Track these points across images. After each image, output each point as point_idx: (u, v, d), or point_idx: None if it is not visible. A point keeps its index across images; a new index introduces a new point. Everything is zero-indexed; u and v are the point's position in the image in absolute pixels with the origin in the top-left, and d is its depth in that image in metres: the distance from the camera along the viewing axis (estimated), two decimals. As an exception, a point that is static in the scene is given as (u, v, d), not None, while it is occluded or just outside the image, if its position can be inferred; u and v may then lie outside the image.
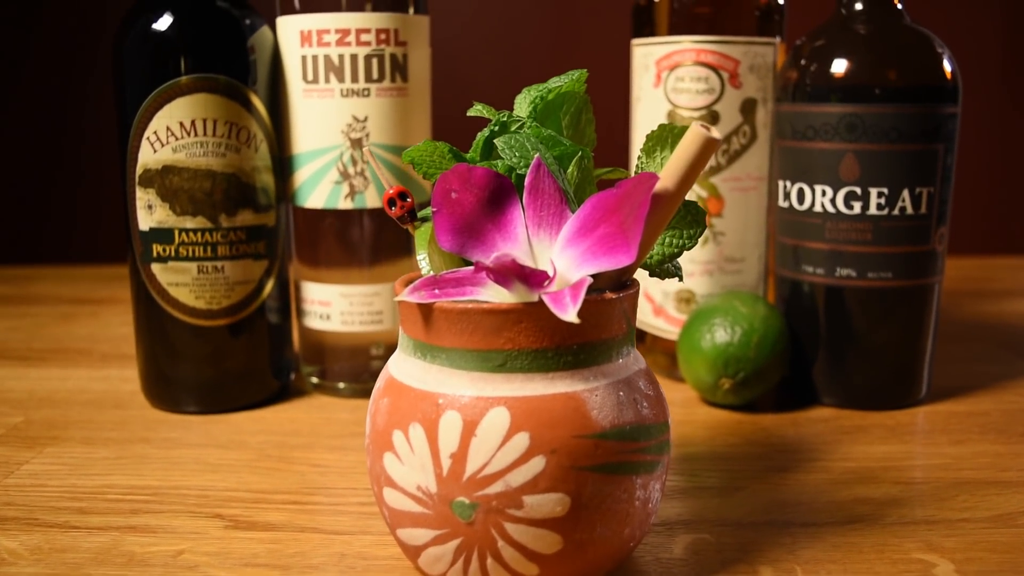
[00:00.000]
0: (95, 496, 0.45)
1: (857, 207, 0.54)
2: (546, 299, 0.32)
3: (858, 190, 0.53)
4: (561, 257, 0.34)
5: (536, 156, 0.35)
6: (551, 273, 0.33)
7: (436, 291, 0.34)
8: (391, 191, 0.37)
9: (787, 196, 0.57)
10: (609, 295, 0.34)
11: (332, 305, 0.58)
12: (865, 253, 0.54)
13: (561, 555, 0.33)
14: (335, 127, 0.56)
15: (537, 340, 0.33)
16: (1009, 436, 0.52)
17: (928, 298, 0.55)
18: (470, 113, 0.40)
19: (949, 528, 0.41)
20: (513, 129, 0.38)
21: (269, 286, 0.57)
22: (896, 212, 0.53)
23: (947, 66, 0.54)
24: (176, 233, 0.54)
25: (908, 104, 0.52)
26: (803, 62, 0.55)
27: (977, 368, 0.64)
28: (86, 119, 1.10)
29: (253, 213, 0.55)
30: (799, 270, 0.56)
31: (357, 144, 0.56)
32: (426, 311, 0.34)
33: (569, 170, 0.37)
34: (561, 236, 0.35)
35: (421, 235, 0.37)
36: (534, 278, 0.33)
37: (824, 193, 0.54)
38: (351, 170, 0.56)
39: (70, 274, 1.02)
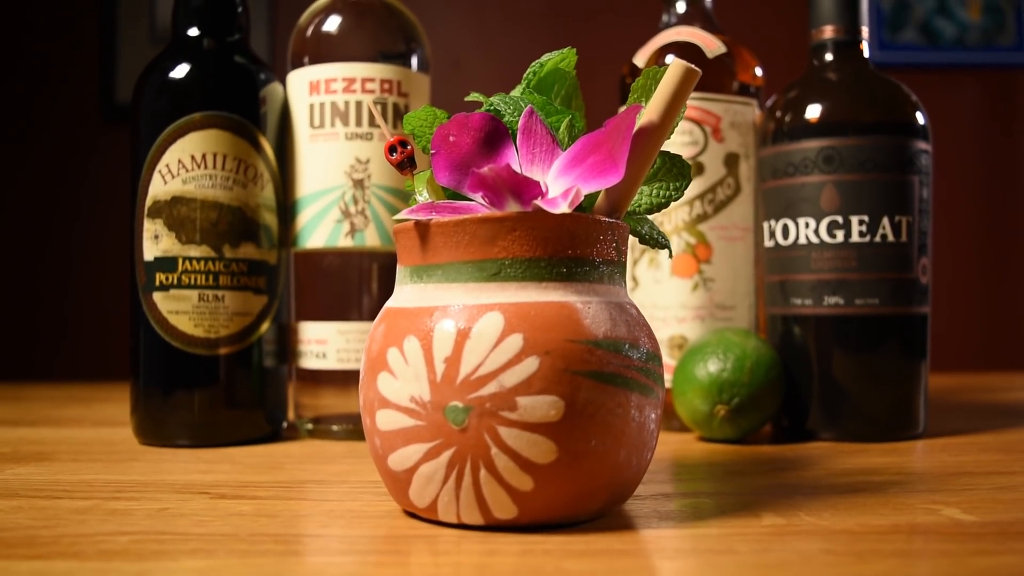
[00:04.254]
0: (80, 483, 0.44)
1: (840, 235, 0.56)
2: (539, 202, 0.33)
3: (840, 219, 0.56)
4: (554, 185, 0.36)
5: (529, 105, 0.38)
6: (544, 190, 0.35)
7: (433, 213, 0.35)
8: (392, 139, 0.39)
9: (772, 235, 0.59)
10: (600, 217, 0.36)
11: (328, 343, 0.59)
12: (851, 280, 0.55)
13: (556, 467, 0.33)
14: (339, 168, 0.58)
15: (531, 249, 0.34)
16: (1010, 453, 0.51)
17: (917, 327, 0.56)
18: (467, 100, 0.43)
19: (953, 493, 0.40)
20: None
21: (266, 324, 0.58)
22: (878, 239, 0.55)
23: (916, 106, 0.57)
24: (180, 261, 0.55)
25: (881, 136, 0.55)
26: (779, 113, 0.59)
27: (975, 422, 0.64)
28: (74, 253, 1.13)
29: (256, 248, 0.57)
30: (788, 304, 0.58)
31: (359, 184, 0.58)
32: (423, 231, 0.35)
33: (560, 132, 0.40)
34: (553, 169, 0.36)
35: (420, 179, 0.38)
36: (527, 189, 0.34)
37: (808, 225, 0.56)
38: (352, 209, 0.58)
39: (62, 387, 1.02)
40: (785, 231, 0.58)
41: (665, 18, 0.67)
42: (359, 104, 0.59)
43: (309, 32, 0.61)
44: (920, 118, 0.57)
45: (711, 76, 0.63)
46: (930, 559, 0.30)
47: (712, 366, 0.55)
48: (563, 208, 0.33)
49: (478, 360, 0.32)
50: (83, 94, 1.85)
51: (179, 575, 0.29)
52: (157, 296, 0.56)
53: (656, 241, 0.42)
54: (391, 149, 0.39)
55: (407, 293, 0.36)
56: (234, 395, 0.57)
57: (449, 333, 0.33)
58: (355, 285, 0.59)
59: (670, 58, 0.64)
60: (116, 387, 0.97)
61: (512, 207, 0.35)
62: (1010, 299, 1.93)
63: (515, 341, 0.33)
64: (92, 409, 0.78)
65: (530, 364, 0.32)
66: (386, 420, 0.34)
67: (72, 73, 1.86)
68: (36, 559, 0.30)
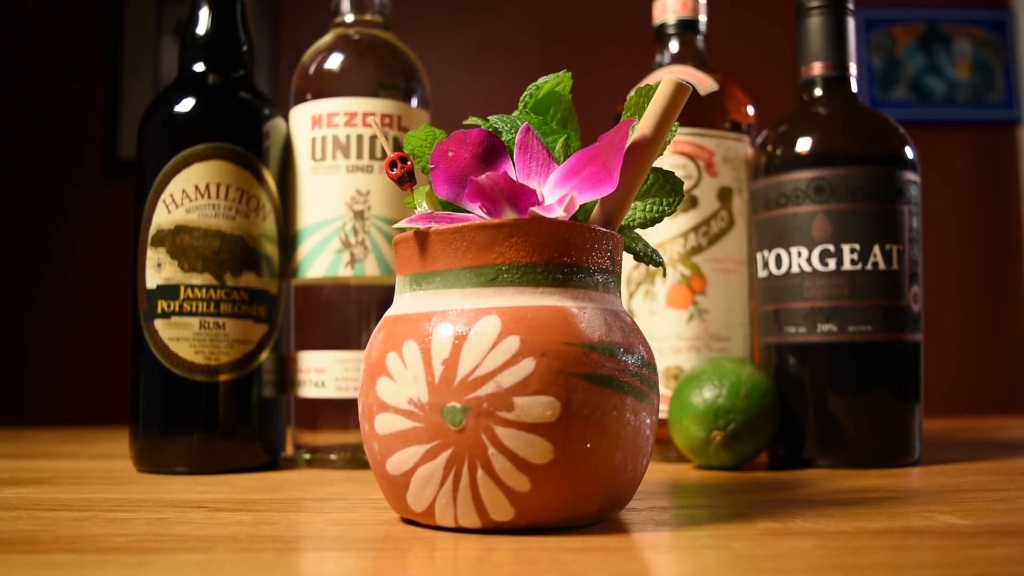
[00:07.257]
0: (78, 500, 0.44)
1: (832, 263, 0.56)
2: (535, 209, 0.34)
3: (831, 247, 0.56)
4: (550, 196, 0.37)
5: (525, 123, 0.39)
6: (540, 199, 0.36)
7: (432, 222, 0.36)
8: (393, 155, 0.40)
9: (766, 265, 0.60)
10: (596, 226, 0.36)
11: (327, 371, 0.59)
12: (844, 307, 0.56)
13: (552, 467, 0.33)
14: (339, 199, 0.60)
15: (527, 255, 0.35)
16: (1006, 475, 0.51)
17: (910, 354, 0.57)
18: (465, 123, 0.44)
19: (948, 504, 0.40)
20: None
21: (266, 353, 0.58)
22: (869, 267, 0.56)
23: (904, 139, 0.58)
24: (182, 289, 0.56)
25: (871, 167, 0.56)
26: (770, 146, 0.61)
27: (971, 452, 0.64)
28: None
29: (257, 277, 0.58)
30: (782, 333, 0.58)
31: (359, 216, 0.59)
32: (422, 240, 0.36)
33: (556, 150, 0.41)
34: (549, 182, 0.37)
35: (419, 193, 0.39)
36: (523, 197, 0.35)
37: (800, 254, 0.57)
38: (352, 239, 0.59)
39: (57, 430, 1.02)
40: (778, 260, 0.59)
41: (658, 57, 0.68)
42: (360, 137, 0.60)
43: (312, 69, 0.62)
44: (909, 151, 0.58)
45: (704, 112, 0.65)
46: (923, 551, 0.30)
47: (708, 393, 0.56)
48: (559, 213, 0.34)
49: (475, 361, 0.33)
50: (86, 150, 1.88)
51: (178, 568, 0.29)
52: (159, 323, 0.56)
53: (650, 258, 0.42)
54: (392, 164, 0.40)
55: (406, 300, 0.37)
56: (233, 422, 0.57)
57: (447, 336, 0.34)
58: (354, 313, 0.60)
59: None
60: (112, 430, 0.97)
61: (509, 215, 0.36)
62: (1003, 351, 1.93)
63: (512, 343, 0.33)
64: (89, 446, 0.78)
65: (527, 365, 0.33)
66: (384, 424, 0.35)
67: (74, 129, 1.89)
68: (36, 554, 0.30)
